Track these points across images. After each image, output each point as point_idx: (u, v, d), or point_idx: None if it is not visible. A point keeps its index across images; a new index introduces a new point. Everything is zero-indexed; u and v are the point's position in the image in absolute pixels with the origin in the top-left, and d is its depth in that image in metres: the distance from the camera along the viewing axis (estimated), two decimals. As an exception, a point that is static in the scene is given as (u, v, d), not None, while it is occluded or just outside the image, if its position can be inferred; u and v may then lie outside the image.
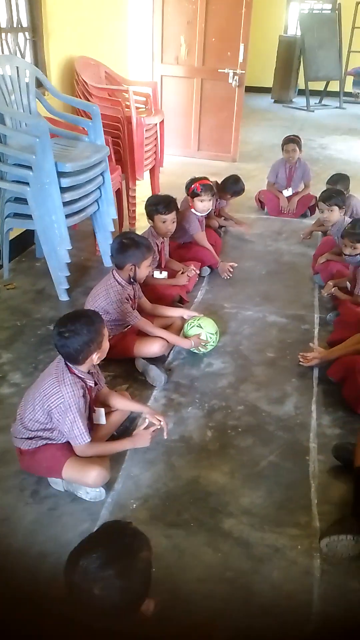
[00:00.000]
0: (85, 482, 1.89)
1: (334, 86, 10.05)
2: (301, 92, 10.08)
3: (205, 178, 3.59)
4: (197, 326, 2.68)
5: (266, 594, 1.68)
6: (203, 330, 2.66)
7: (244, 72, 5.85)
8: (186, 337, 2.67)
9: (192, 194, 3.51)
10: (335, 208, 3.39)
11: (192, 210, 3.53)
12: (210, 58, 5.94)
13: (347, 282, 3.15)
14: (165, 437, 2.07)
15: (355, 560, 1.77)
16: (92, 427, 2.01)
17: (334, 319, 3.09)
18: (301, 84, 9.99)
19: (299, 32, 9.66)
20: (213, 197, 3.59)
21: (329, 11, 10.20)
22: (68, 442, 1.94)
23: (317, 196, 4.60)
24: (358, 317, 2.80)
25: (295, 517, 1.93)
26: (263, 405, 2.46)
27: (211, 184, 3.60)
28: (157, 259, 3.19)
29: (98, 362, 1.97)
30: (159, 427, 2.02)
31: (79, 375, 1.91)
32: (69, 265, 3.18)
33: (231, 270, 3.57)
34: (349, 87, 10.59)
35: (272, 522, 1.90)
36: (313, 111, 9.69)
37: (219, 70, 5.90)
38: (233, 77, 5.88)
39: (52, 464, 1.90)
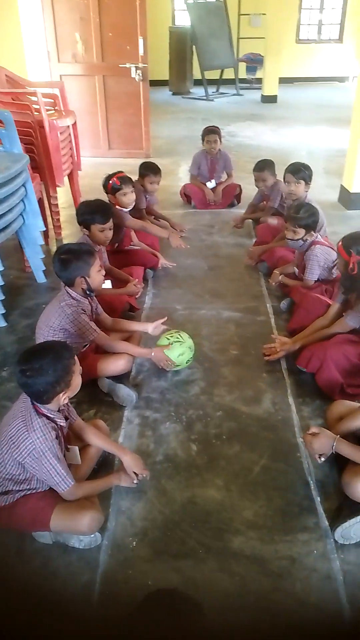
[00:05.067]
0: (79, 530, 1.68)
1: (229, 74, 10.18)
2: (198, 82, 10.12)
3: (120, 172, 3.40)
4: (176, 341, 2.47)
5: (293, 611, 1.58)
6: (185, 344, 2.48)
7: (146, 65, 5.72)
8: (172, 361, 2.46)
9: (112, 190, 3.30)
10: (302, 182, 3.35)
11: (118, 207, 3.31)
12: (109, 54, 5.76)
13: (295, 268, 3.13)
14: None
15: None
16: (70, 465, 1.80)
17: (287, 306, 3.07)
18: (197, 74, 10.02)
19: (188, 22, 9.66)
20: (134, 187, 3.40)
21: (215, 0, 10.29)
22: (50, 489, 1.73)
23: (240, 185, 4.65)
24: (314, 301, 2.77)
25: (303, 521, 1.84)
26: (241, 407, 2.36)
27: (127, 175, 3.39)
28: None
29: (66, 402, 1.76)
30: (142, 476, 1.89)
31: (48, 415, 1.69)
32: (1, 287, 2.91)
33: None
34: (243, 74, 10.78)
35: (281, 531, 1.81)
36: (213, 100, 9.76)
37: (120, 66, 5.73)
38: (136, 72, 5.73)
39: (37, 517, 1.68)
